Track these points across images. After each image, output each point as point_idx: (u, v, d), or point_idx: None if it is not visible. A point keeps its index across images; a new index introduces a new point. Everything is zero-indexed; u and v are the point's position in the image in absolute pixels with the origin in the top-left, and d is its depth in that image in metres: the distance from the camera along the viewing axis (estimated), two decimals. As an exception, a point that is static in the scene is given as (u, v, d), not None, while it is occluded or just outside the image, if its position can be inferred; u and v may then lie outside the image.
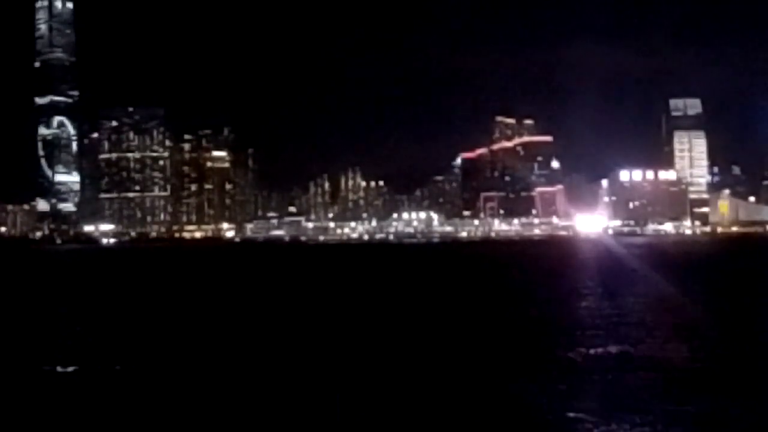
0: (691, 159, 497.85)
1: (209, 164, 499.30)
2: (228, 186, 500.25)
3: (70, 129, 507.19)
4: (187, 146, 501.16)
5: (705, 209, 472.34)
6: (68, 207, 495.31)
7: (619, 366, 30.10)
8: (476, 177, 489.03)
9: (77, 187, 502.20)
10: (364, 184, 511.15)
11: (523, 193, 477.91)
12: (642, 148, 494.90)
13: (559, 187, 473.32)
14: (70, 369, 30.83)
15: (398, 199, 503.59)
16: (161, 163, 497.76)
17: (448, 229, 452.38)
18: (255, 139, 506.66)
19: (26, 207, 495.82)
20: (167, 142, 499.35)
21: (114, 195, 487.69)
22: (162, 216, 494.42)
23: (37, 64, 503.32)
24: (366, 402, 24.27)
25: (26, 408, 24.21)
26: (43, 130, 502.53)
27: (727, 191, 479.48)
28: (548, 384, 26.42)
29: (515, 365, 30.53)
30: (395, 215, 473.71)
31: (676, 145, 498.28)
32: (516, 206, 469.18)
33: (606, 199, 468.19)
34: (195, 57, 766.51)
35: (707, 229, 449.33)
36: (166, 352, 35.40)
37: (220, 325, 45.07)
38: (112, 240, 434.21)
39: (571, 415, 22.34)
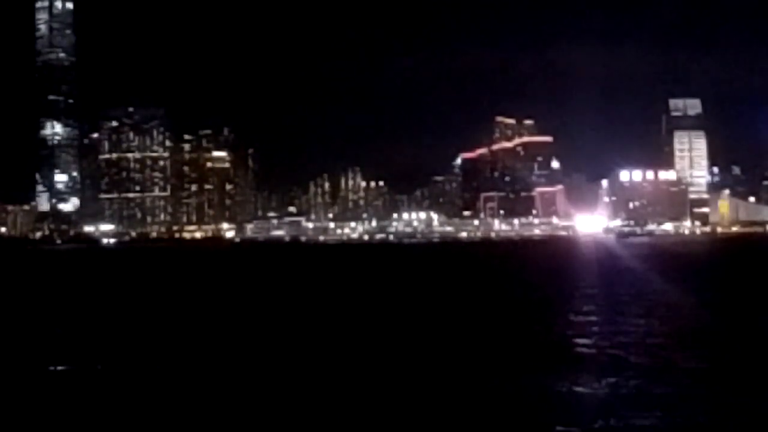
0: (691, 159, 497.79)
1: (209, 164, 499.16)
2: (228, 186, 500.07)
3: (70, 129, 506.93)
4: (187, 146, 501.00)
5: (705, 209, 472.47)
6: (68, 207, 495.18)
7: (615, 370, 30.01)
8: (476, 177, 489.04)
9: (77, 187, 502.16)
10: (364, 184, 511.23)
11: (523, 194, 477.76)
12: (642, 148, 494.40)
13: (559, 187, 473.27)
14: (70, 369, 30.81)
15: (398, 199, 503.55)
16: (161, 163, 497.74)
17: (448, 229, 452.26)
18: (255, 139, 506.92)
19: (26, 207, 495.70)
20: (167, 142, 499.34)
21: (114, 195, 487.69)
22: (162, 216, 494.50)
23: (37, 64, 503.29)
24: (364, 395, 24.30)
25: (26, 407, 24.19)
26: (43, 130, 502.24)
27: (727, 191, 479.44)
28: (542, 387, 26.37)
29: (511, 365, 30.52)
30: (395, 215, 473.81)
31: (676, 145, 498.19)
32: (516, 206, 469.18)
33: (606, 199, 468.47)
34: (195, 57, 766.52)
35: (707, 229, 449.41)
36: (166, 350, 35.36)
37: (220, 323, 45.07)
38: (112, 240, 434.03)
39: (562, 427, 21.87)
